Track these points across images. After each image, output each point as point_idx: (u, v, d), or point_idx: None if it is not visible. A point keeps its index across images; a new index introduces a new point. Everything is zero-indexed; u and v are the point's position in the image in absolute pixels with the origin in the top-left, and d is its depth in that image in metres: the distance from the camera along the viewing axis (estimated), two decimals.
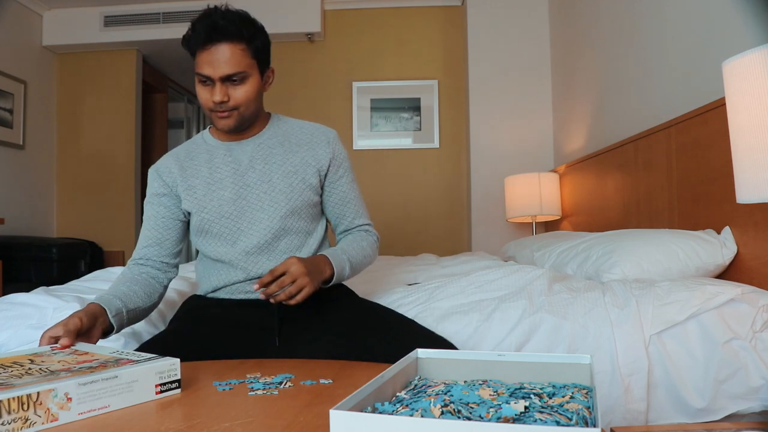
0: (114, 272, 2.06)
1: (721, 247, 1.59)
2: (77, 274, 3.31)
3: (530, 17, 3.92)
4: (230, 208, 1.29)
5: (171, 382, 0.84)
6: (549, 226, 3.64)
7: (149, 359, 0.85)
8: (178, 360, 0.85)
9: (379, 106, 4.31)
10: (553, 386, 0.71)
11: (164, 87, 5.59)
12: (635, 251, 1.65)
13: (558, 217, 3.44)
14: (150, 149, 5.32)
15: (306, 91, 4.36)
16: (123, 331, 1.45)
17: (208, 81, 1.20)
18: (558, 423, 0.57)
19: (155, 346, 1.16)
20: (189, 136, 6.58)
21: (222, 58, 1.18)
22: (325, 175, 1.36)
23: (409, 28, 4.34)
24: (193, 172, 1.32)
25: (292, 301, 1.12)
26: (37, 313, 1.45)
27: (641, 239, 1.70)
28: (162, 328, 1.46)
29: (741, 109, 1.03)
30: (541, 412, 0.60)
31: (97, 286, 1.82)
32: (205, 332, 1.22)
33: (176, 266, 1.36)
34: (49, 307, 1.48)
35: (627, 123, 2.57)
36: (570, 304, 1.39)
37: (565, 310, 1.37)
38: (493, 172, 3.85)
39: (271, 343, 1.22)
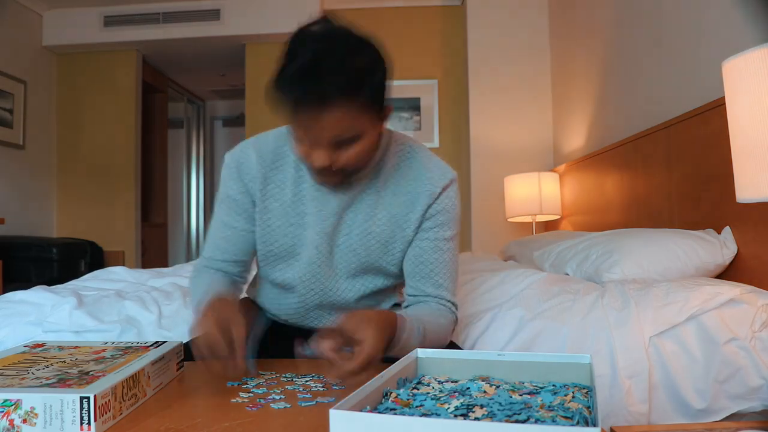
0: (114, 272, 2.06)
1: (721, 247, 1.59)
2: (77, 274, 3.32)
3: (530, 17, 3.92)
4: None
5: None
6: (549, 226, 3.64)
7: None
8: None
9: None
10: (553, 386, 0.71)
11: (164, 87, 5.60)
12: (635, 251, 1.64)
13: (558, 217, 3.44)
14: (150, 149, 5.32)
15: None
16: (119, 318, 1.45)
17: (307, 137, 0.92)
18: (558, 423, 0.57)
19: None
20: (189, 136, 6.54)
21: (329, 122, 0.88)
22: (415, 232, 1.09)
23: (409, 28, 4.34)
24: (276, 190, 1.08)
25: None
26: (35, 310, 1.46)
27: (641, 239, 1.70)
28: (156, 313, 1.46)
29: (741, 109, 1.03)
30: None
31: (96, 286, 1.82)
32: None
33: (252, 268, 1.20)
34: (47, 303, 1.48)
35: (627, 122, 2.57)
36: (568, 309, 1.39)
37: (563, 315, 1.36)
38: (493, 171, 3.85)
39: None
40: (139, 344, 0.95)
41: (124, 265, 3.19)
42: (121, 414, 0.72)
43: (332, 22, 0.91)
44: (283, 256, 1.11)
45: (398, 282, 1.18)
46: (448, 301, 1.09)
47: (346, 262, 1.10)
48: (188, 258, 6.27)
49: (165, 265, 5.19)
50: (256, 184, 1.08)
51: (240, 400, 0.79)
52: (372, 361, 0.82)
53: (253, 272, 1.26)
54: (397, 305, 1.23)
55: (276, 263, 1.12)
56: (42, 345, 0.95)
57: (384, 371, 0.69)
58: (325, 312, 1.16)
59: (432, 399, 0.66)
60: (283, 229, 1.08)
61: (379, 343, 0.83)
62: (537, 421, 0.57)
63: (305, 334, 1.20)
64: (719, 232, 1.64)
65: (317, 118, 0.88)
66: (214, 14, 4.43)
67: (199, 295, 1.06)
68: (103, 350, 0.91)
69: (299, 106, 0.88)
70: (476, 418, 0.58)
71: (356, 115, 0.90)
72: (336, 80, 0.86)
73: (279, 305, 1.19)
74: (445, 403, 0.64)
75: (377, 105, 0.93)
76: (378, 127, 0.97)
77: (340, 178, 0.99)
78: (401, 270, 1.13)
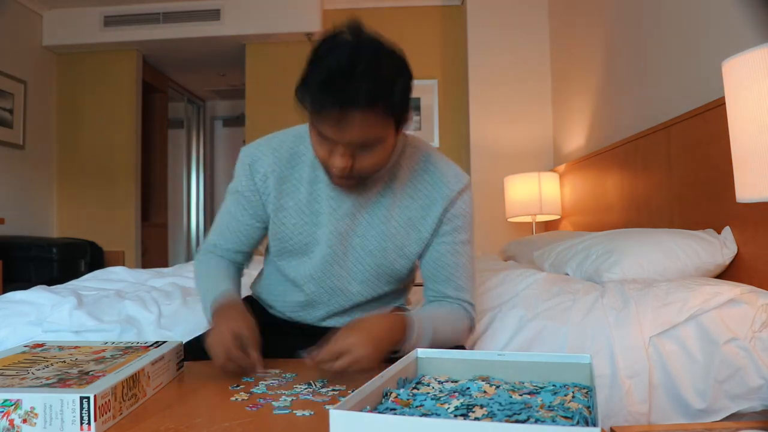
0: (114, 272, 2.06)
1: (721, 246, 1.59)
2: (77, 274, 3.31)
3: (530, 17, 3.92)
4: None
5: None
6: (549, 226, 3.64)
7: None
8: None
9: None
10: (554, 386, 0.71)
11: (164, 87, 5.60)
12: (635, 251, 1.64)
13: (558, 217, 3.43)
14: (150, 149, 5.32)
15: None
16: (119, 318, 1.45)
17: (329, 140, 0.94)
18: (558, 423, 0.57)
19: (198, 346, 1.09)
20: (189, 136, 6.54)
21: (351, 124, 0.89)
22: (431, 237, 1.11)
23: (409, 28, 4.34)
24: (292, 188, 1.10)
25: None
26: (35, 310, 1.46)
27: (641, 239, 1.70)
28: (156, 313, 1.46)
29: (740, 108, 1.03)
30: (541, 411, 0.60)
31: (96, 286, 1.82)
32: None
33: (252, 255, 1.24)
34: (47, 303, 1.49)
35: (627, 123, 2.57)
36: (568, 309, 1.38)
37: (563, 315, 1.36)
38: (493, 171, 3.85)
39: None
40: (139, 344, 0.95)
41: (124, 265, 3.18)
42: (121, 414, 0.72)
43: (361, 29, 0.93)
44: (297, 253, 1.13)
45: (405, 285, 1.21)
46: (468, 303, 1.12)
47: (361, 263, 1.11)
48: (188, 258, 6.27)
49: (165, 265, 5.19)
50: (270, 182, 1.10)
51: (240, 400, 0.79)
52: (358, 355, 0.88)
53: (257, 265, 1.27)
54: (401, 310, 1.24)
55: (290, 259, 1.14)
56: (42, 345, 0.95)
57: (384, 371, 0.69)
58: (331, 311, 1.16)
59: (432, 399, 0.66)
60: (299, 227, 1.10)
61: (363, 344, 0.89)
62: (537, 421, 0.57)
63: (306, 333, 1.21)
64: (719, 232, 1.64)
65: (343, 121, 0.89)
66: (214, 14, 4.43)
67: (207, 284, 1.12)
68: (103, 350, 0.91)
69: (326, 109, 0.89)
70: (476, 418, 0.58)
71: (380, 121, 0.91)
72: (364, 86, 0.86)
73: (284, 300, 1.20)
74: (445, 403, 0.64)
75: (400, 112, 0.94)
76: (398, 133, 0.98)
77: (356, 181, 1.00)
78: (410, 273, 1.16)
